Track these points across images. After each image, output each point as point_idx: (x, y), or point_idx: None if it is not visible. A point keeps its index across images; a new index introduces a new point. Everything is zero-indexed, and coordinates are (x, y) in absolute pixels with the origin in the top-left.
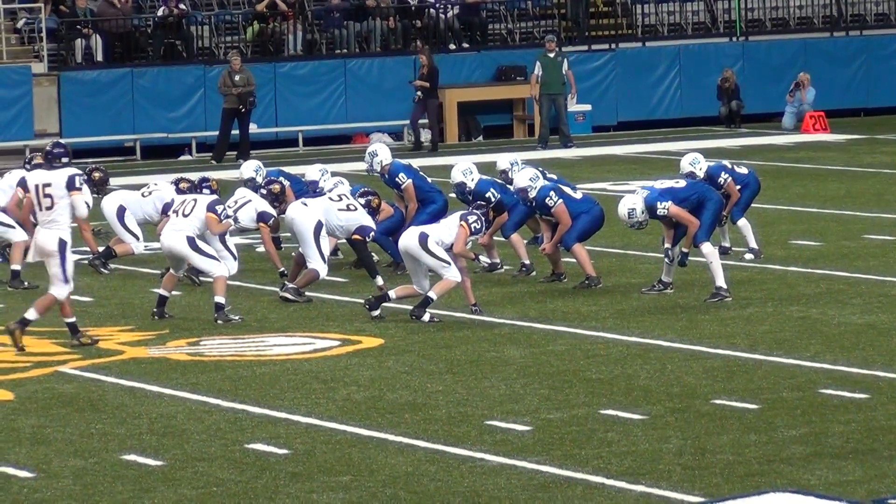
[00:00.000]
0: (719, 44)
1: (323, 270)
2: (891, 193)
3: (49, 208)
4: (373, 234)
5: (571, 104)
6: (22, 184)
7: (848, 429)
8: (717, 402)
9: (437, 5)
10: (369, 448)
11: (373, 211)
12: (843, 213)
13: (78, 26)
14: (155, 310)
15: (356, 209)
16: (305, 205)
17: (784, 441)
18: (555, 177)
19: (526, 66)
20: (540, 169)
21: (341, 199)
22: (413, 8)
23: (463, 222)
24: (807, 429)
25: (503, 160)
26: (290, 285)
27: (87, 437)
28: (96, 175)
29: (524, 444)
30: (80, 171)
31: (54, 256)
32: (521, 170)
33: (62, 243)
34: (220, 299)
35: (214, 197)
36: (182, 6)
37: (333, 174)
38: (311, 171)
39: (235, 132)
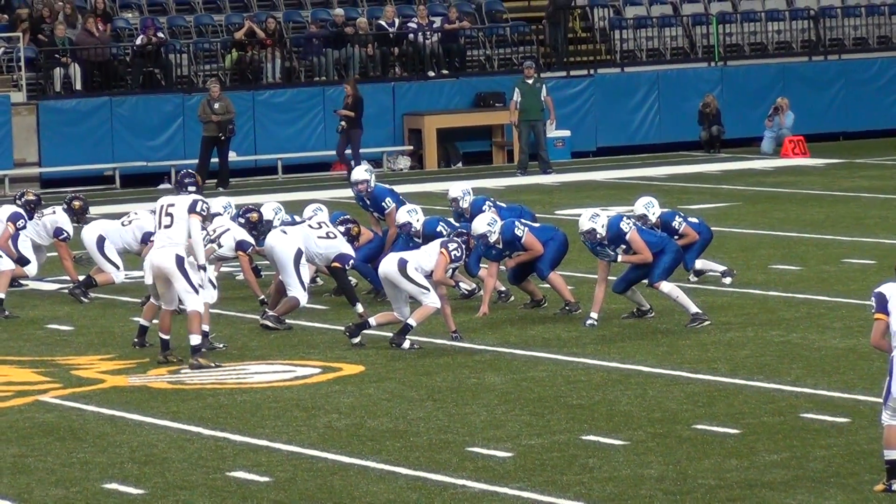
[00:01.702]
0: (698, 69)
1: (303, 298)
2: (870, 218)
3: (168, 226)
4: (352, 261)
5: (550, 130)
6: (13, 218)
7: (829, 453)
8: (699, 427)
9: (417, 32)
10: (351, 475)
11: (352, 238)
12: (823, 238)
13: (56, 55)
14: (136, 339)
15: (335, 237)
16: (285, 233)
17: (765, 466)
18: (502, 205)
19: (504, 93)
20: (490, 200)
21: (321, 227)
22: (391, 35)
23: (443, 249)
24: (788, 453)
25: (455, 189)
26: (271, 313)
27: (69, 467)
28: (76, 204)
29: (506, 470)
30: (203, 199)
31: (173, 274)
32: (478, 214)
33: (179, 259)
34: (204, 327)
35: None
36: (160, 34)
37: (314, 201)
38: (215, 204)
39: (215, 160)
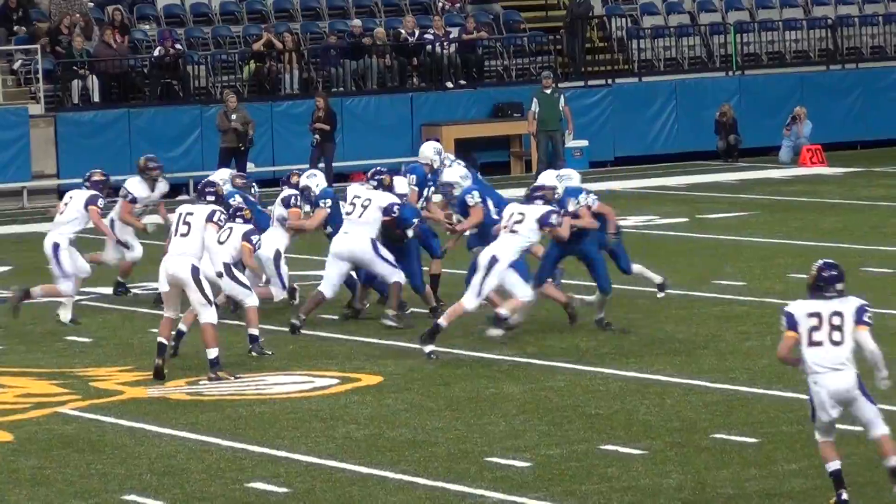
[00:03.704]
0: (716, 78)
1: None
2: (888, 226)
3: (185, 235)
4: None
5: (568, 140)
6: (91, 201)
7: (847, 462)
8: (717, 436)
9: (435, 42)
10: (369, 486)
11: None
12: (840, 247)
13: (74, 67)
14: (160, 359)
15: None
16: (347, 233)
17: (784, 475)
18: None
19: (522, 103)
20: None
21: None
22: (409, 46)
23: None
24: (807, 462)
25: (428, 148)
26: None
27: (87, 478)
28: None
29: (524, 480)
30: (222, 209)
31: (188, 284)
32: (451, 166)
33: (194, 269)
34: (253, 331)
35: (250, 227)
36: (178, 46)
37: None
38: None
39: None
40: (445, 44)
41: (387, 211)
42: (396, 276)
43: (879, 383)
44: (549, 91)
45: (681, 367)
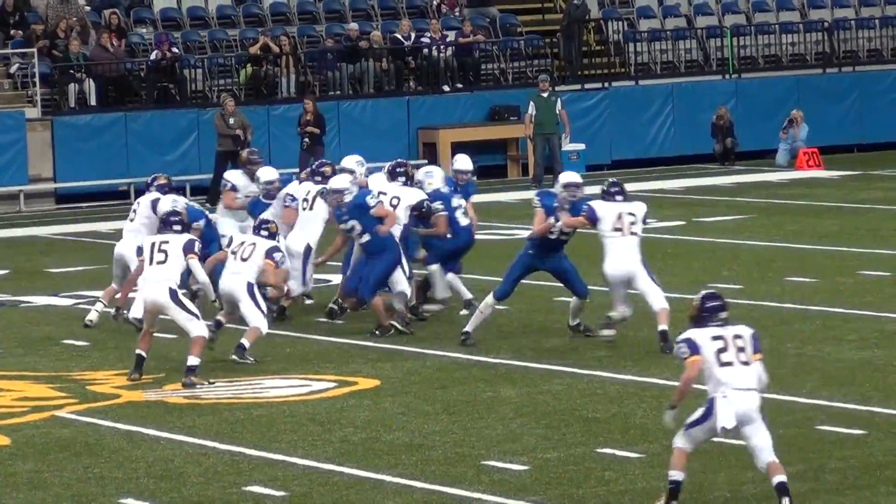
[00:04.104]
0: (712, 81)
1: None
2: (886, 229)
3: (162, 262)
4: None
5: (565, 143)
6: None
7: (845, 465)
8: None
9: (431, 46)
10: (366, 489)
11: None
12: (838, 250)
13: (71, 71)
14: (136, 374)
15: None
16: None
17: None
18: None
19: (519, 106)
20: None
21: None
22: (406, 49)
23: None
24: (804, 465)
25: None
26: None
27: (85, 482)
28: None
29: (522, 483)
30: (197, 238)
31: (170, 307)
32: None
33: (172, 292)
34: (194, 361)
35: (273, 243)
36: (175, 50)
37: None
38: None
39: None
40: (442, 47)
41: (416, 207)
42: (402, 286)
43: None
44: (545, 94)
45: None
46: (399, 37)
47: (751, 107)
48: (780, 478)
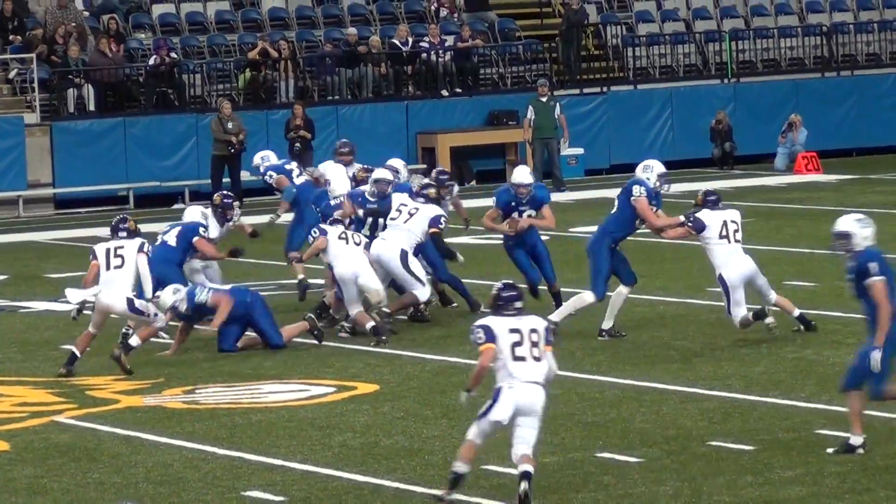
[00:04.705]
0: (711, 86)
1: (423, 293)
2: (884, 233)
3: (119, 267)
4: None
5: (564, 148)
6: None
7: (844, 469)
8: (713, 443)
9: (430, 50)
10: (365, 494)
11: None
12: (836, 254)
13: (70, 76)
14: (65, 369)
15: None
16: (385, 239)
17: (780, 482)
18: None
19: (518, 111)
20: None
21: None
22: (405, 54)
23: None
24: (803, 469)
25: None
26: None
27: (84, 487)
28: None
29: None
30: (146, 241)
31: (125, 314)
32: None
33: (129, 301)
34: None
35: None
36: (173, 55)
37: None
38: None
39: (227, 180)
40: (441, 52)
41: (433, 222)
42: (419, 290)
43: None
44: (544, 99)
45: (677, 375)
46: (397, 42)
47: (749, 111)
48: (526, 467)
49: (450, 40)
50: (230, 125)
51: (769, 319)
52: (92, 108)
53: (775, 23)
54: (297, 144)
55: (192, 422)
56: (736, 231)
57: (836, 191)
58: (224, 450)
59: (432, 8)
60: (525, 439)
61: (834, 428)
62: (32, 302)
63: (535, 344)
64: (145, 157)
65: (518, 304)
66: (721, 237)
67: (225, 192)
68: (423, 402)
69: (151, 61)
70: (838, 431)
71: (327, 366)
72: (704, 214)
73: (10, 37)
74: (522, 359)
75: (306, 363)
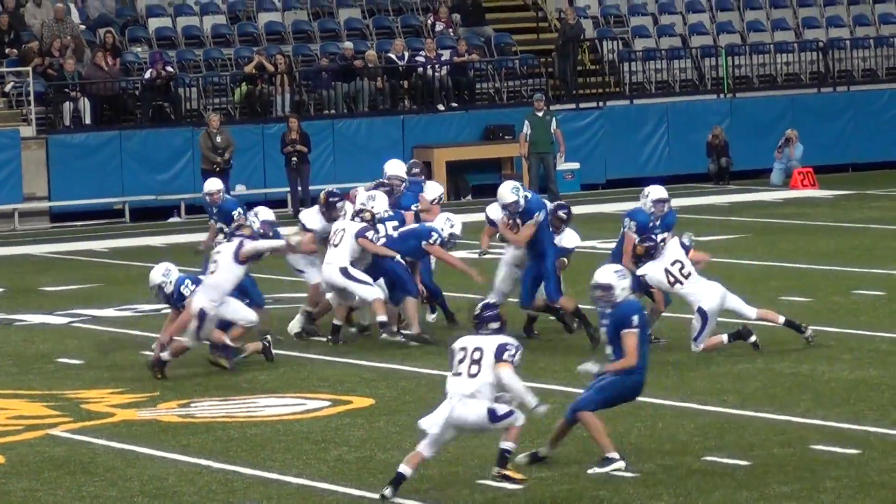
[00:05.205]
0: (707, 101)
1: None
2: (880, 249)
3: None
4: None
5: (560, 162)
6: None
7: (839, 484)
8: (709, 458)
9: (426, 65)
10: None
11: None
12: (832, 269)
13: (66, 89)
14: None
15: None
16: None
17: (776, 497)
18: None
19: (514, 125)
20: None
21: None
22: (401, 68)
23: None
24: (798, 485)
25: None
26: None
27: (79, 500)
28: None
29: (516, 502)
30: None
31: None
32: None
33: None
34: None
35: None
36: (169, 68)
37: None
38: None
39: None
40: (437, 66)
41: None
42: (369, 291)
43: (535, 412)
44: (540, 113)
45: (672, 390)
46: (394, 56)
47: (745, 126)
48: (406, 469)
49: (446, 55)
50: (218, 139)
51: (808, 332)
52: (88, 121)
53: (772, 38)
54: (294, 158)
55: (188, 435)
56: (682, 269)
57: (832, 206)
58: (219, 463)
59: (428, 22)
60: (442, 445)
61: (829, 444)
62: (28, 315)
63: (475, 362)
64: (141, 171)
65: (493, 325)
66: (672, 283)
67: (331, 190)
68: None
69: (147, 75)
70: (834, 447)
71: (323, 380)
72: (649, 268)
73: (7, 50)
74: (458, 374)
75: (302, 377)
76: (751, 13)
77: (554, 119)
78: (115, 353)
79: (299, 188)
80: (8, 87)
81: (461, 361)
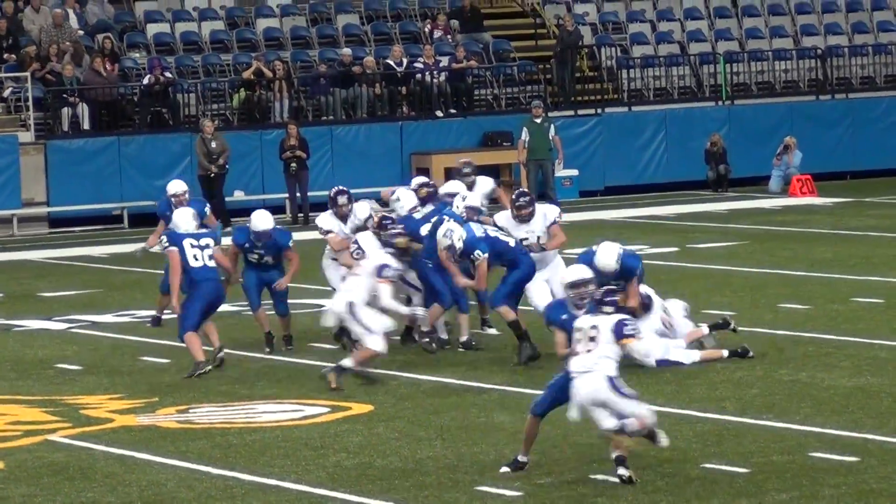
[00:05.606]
0: (705, 108)
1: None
2: (878, 256)
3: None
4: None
5: (558, 169)
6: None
7: (838, 492)
8: (707, 465)
9: (425, 71)
10: None
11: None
12: (830, 277)
13: (64, 95)
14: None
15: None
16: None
17: None
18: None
19: (512, 132)
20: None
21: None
22: (399, 75)
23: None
24: (797, 492)
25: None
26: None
27: None
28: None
29: None
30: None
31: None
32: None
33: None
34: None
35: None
36: (168, 74)
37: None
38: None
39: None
40: (435, 73)
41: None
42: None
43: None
44: (538, 120)
45: (671, 397)
46: (392, 62)
47: (744, 133)
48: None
49: (444, 61)
50: (213, 144)
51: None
52: (86, 126)
53: (770, 45)
54: (293, 164)
55: (186, 441)
56: (669, 321)
57: (830, 214)
58: (218, 469)
59: (427, 29)
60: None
61: (828, 451)
62: (26, 320)
63: (591, 339)
64: (139, 176)
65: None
66: (666, 327)
67: (339, 188)
68: (418, 422)
69: (146, 80)
70: (833, 454)
71: (322, 386)
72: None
73: (5, 55)
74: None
75: (300, 383)
76: (749, 20)
77: (552, 126)
78: (114, 359)
79: (298, 194)
80: (6, 93)
81: (579, 341)
